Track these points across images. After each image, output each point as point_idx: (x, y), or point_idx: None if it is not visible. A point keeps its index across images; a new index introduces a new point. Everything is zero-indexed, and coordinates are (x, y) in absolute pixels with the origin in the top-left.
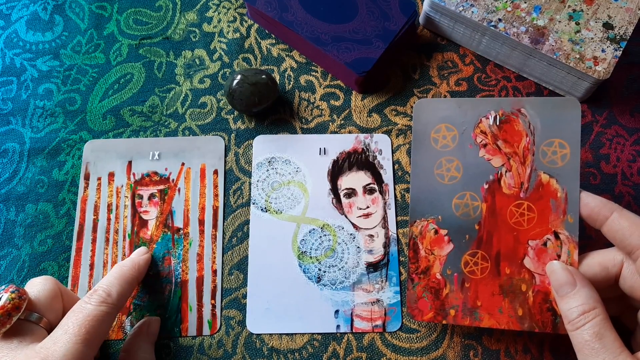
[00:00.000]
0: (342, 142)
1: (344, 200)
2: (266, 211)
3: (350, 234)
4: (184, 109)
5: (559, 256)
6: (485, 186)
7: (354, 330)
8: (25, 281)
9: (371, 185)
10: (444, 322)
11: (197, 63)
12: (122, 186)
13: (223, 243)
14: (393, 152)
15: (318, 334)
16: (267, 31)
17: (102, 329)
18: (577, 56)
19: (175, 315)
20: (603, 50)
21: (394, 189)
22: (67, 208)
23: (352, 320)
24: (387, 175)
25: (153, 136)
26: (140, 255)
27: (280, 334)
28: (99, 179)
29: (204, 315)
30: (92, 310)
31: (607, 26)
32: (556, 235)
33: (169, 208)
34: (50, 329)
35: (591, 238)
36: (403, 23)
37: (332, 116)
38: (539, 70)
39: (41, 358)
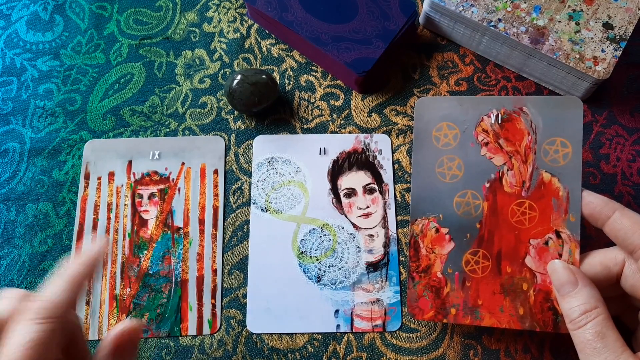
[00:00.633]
0: (342, 142)
1: (344, 200)
2: (266, 211)
3: (350, 234)
4: (184, 109)
5: (560, 255)
6: (487, 185)
7: (354, 330)
8: (25, 281)
9: (371, 185)
10: (445, 321)
11: (197, 63)
12: (122, 186)
13: (223, 243)
14: (393, 152)
15: (318, 333)
16: (267, 31)
17: (49, 351)
18: (577, 56)
19: (175, 314)
20: (603, 50)
21: (394, 188)
22: (67, 208)
23: (352, 320)
24: (387, 175)
25: (153, 136)
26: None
27: (280, 333)
28: (99, 178)
29: (204, 315)
30: (35, 331)
31: (607, 26)
32: (558, 234)
33: (169, 207)
34: None
35: (591, 237)
36: (403, 23)
37: (332, 116)
38: (539, 70)
39: None
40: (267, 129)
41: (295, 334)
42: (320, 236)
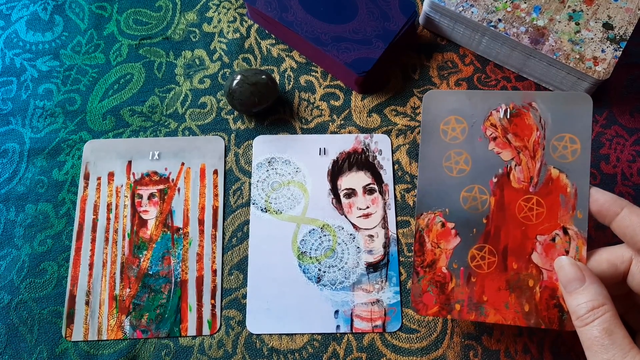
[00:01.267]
0: (342, 142)
1: (343, 200)
2: (266, 211)
3: (350, 234)
4: (184, 109)
5: (567, 252)
6: (494, 180)
7: (353, 331)
8: (25, 281)
9: (371, 186)
10: (449, 316)
11: (197, 63)
12: (122, 186)
13: (223, 243)
14: (393, 152)
15: (318, 334)
16: (267, 31)
17: None
18: (577, 56)
19: (175, 314)
20: (603, 51)
21: (394, 189)
22: (66, 208)
23: (352, 321)
24: (387, 176)
25: (153, 136)
26: None
27: (280, 334)
28: (99, 178)
29: (203, 315)
30: None
31: (607, 26)
32: (565, 231)
33: (168, 208)
34: None
35: (590, 237)
36: (403, 23)
37: (332, 116)
38: (539, 70)
39: None
40: (267, 129)
41: (295, 334)
42: (320, 236)
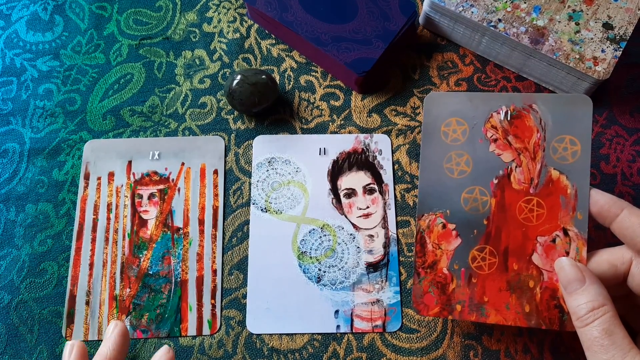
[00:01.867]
0: (342, 142)
1: (343, 200)
2: (266, 211)
3: (350, 234)
4: (184, 109)
5: (567, 253)
6: (495, 181)
7: (354, 331)
8: (25, 281)
9: (371, 186)
10: (450, 317)
11: (197, 63)
12: (122, 186)
13: (223, 243)
14: (393, 152)
15: (318, 334)
16: (267, 31)
17: None
18: (577, 56)
19: (175, 314)
20: (603, 51)
21: (394, 189)
22: (67, 208)
23: (352, 321)
24: (387, 176)
25: (153, 136)
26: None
27: (280, 334)
28: (99, 178)
29: (204, 315)
30: None
31: (607, 26)
32: (565, 232)
33: (168, 208)
34: None
35: (590, 238)
36: (403, 23)
37: (332, 116)
38: (539, 70)
39: None
40: (267, 129)
41: (295, 334)
42: (320, 236)
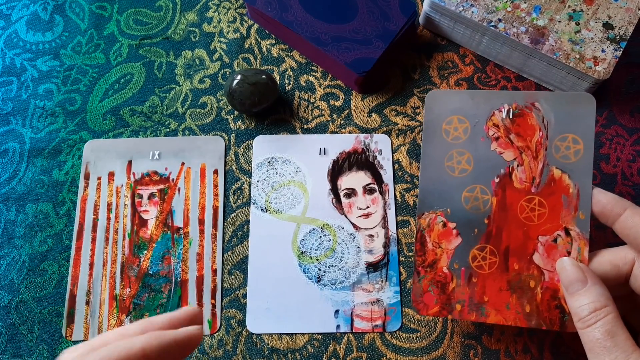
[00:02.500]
0: (342, 142)
1: (343, 200)
2: (266, 211)
3: (350, 234)
4: (184, 109)
5: (569, 253)
6: (496, 180)
7: (354, 330)
8: (25, 281)
9: (371, 185)
10: (450, 317)
11: (197, 63)
12: (122, 186)
13: (223, 243)
14: (393, 152)
15: (318, 334)
16: (267, 31)
17: None
18: (577, 56)
19: None
20: (603, 51)
21: (394, 189)
22: (67, 208)
23: (352, 320)
24: (387, 175)
25: (153, 136)
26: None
27: (280, 334)
28: (99, 178)
29: (204, 315)
30: None
31: (607, 26)
32: (567, 232)
33: (168, 207)
34: None
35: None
36: (403, 23)
37: (332, 116)
38: (539, 70)
39: None
40: (267, 129)
41: (295, 334)
42: (320, 236)
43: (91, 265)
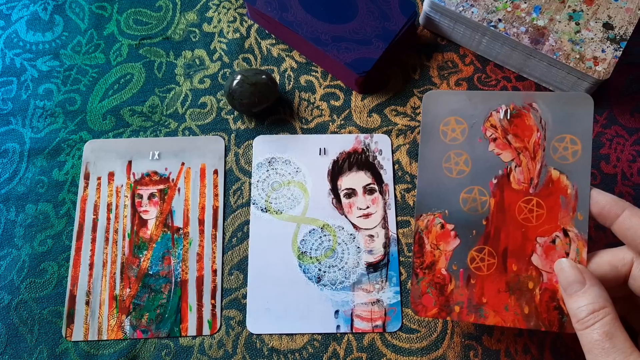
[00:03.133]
0: (342, 142)
1: (344, 200)
2: (266, 211)
3: (350, 234)
4: (184, 109)
5: (567, 254)
6: (494, 181)
7: (354, 331)
8: (25, 281)
9: (371, 186)
10: (448, 318)
11: (197, 63)
12: (122, 186)
13: (223, 243)
14: (393, 152)
15: (318, 334)
16: (267, 31)
17: None
18: (577, 56)
19: (175, 314)
20: (603, 51)
21: (394, 189)
22: (67, 208)
23: (352, 321)
24: (387, 176)
25: (153, 136)
26: None
27: (280, 334)
28: (99, 178)
29: (204, 315)
30: None
31: (607, 26)
32: (565, 233)
33: (168, 208)
34: None
35: (591, 239)
36: (403, 23)
37: (332, 116)
38: (539, 70)
39: None
40: (267, 129)
41: (295, 334)
42: (320, 236)
43: (91, 266)
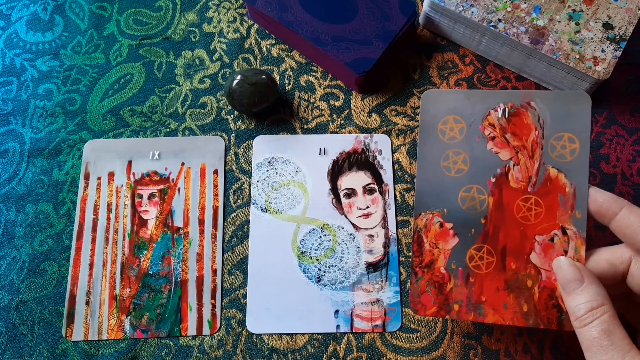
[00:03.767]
0: (342, 142)
1: (343, 200)
2: (266, 211)
3: (350, 234)
4: (184, 109)
5: (566, 252)
6: (493, 180)
7: (354, 330)
8: (25, 281)
9: (371, 185)
10: (448, 317)
11: (197, 63)
12: (122, 186)
13: (223, 243)
14: (393, 152)
15: (318, 334)
16: (267, 31)
17: None
18: (577, 56)
19: (175, 314)
20: (603, 51)
21: (394, 189)
22: (67, 208)
23: (352, 320)
24: (387, 175)
25: (153, 136)
26: None
27: (280, 334)
28: (99, 178)
29: (204, 315)
30: None
31: (607, 26)
32: (563, 231)
33: (168, 207)
34: None
35: (589, 237)
36: (403, 23)
37: (332, 116)
38: (539, 70)
39: None
40: (267, 129)
41: (295, 334)
42: (320, 236)
43: (91, 266)
